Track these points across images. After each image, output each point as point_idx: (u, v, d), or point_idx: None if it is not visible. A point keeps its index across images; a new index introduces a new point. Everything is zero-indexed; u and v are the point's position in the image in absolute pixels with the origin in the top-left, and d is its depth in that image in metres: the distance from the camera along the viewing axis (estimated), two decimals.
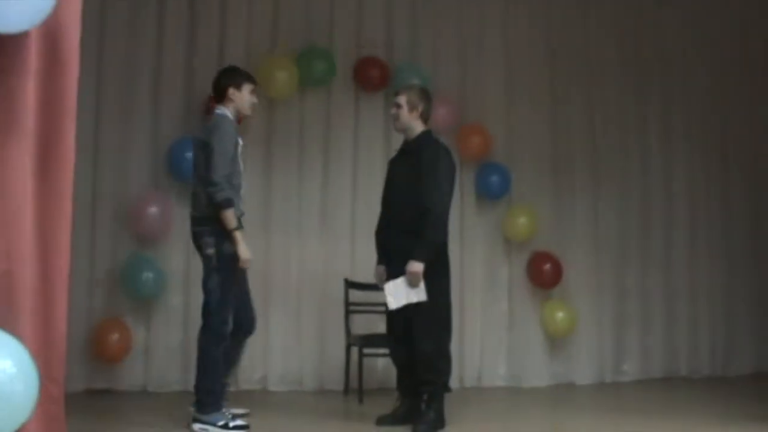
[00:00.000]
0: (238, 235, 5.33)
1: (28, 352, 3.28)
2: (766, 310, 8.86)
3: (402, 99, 5.73)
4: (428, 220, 5.45)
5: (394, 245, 5.65)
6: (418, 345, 5.53)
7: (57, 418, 3.60)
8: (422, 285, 5.45)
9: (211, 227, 5.37)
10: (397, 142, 6.20)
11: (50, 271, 3.54)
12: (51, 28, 3.58)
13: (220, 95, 5.66)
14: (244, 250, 5.35)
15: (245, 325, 5.69)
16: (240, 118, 5.78)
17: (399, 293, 5.49)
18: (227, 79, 5.67)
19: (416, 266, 5.40)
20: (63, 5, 3.60)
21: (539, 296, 8.06)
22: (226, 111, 5.59)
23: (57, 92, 3.61)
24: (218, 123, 5.49)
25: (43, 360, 3.53)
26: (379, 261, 5.89)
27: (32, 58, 3.51)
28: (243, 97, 5.62)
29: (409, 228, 5.52)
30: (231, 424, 5.35)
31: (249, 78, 5.71)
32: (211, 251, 5.39)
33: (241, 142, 5.58)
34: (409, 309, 5.49)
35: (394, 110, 5.78)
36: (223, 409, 5.45)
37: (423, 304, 5.47)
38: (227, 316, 5.41)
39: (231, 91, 5.60)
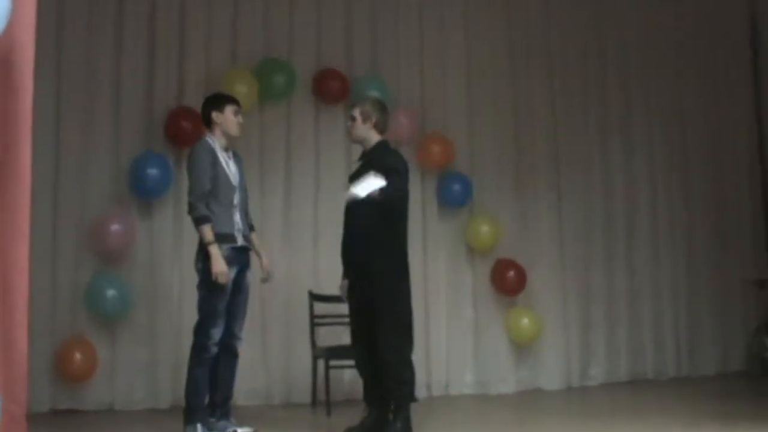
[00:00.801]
0: (213, 249, 5.46)
1: None
2: (729, 311, 8.96)
3: (356, 111, 5.82)
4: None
5: (358, 258, 5.67)
6: (381, 353, 5.52)
7: None
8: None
9: (200, 246, 5.58)
10: (357, 153, 6.22)
11: (9, 290, 3.50)
12: (4, 46, 3.55)
13: (207, 123, 5.86)
14: (216, 264, 5.43)
15: (226, 343, 5.69)
16: (230, 139, 5.87)
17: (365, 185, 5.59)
18: (209, 105, 5.88)
19: None
20: (16, 23, 3.57)
21: (504, 303, 8.09)
22: (206, 137, 5.79)
23: (11, 112, 3.57)
24: (192, 149, 5.77)
25: (4, 381, 3.49)
26: (345, 276, 5.90)
27: None
28: (227, 118, 5.79)
29: (370, 234, 5.54)
30: None
31: (230, 100, 5.91)
32: (198, 267, 5.59)
33: (230, 159, 5.79)
34: (371, 316, 5.51)
35: (349, 123, 5.88)
36: (228, 426, 5.63)
37: (385, 311, 5.50)
38: (210, 332, 5.52)
39: (215, 115, 5.79)
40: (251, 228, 5.88)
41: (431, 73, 8.20)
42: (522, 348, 8.10)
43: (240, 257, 5.67)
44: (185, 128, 7.20)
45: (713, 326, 8.93)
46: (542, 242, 8.32)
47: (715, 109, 9.18)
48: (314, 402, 7.11)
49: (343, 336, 7.23)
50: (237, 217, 5.68)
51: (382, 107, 5.87)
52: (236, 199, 5.71)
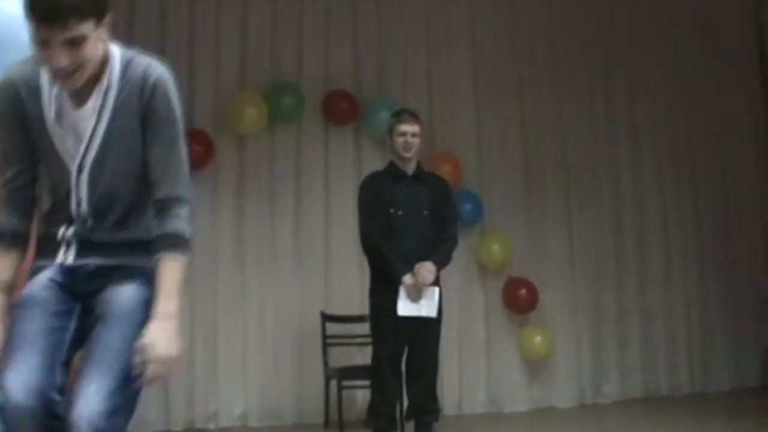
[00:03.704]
0: None
1: None
2: (742, 326, 8.92)
3: (417, 128, 5.87)
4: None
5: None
6: (431, 374, 5.61)
7: None
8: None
9: None
10: (366, 171, 6.29)
11: None
12: None
13: None
14: None
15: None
16: None
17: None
18: None
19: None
20: None
21: (516, 321, 8.08)
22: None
23: None
24: None
25: None
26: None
27: None
28: None
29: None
30: None
31: None
32: None
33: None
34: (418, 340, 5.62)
35: (411, 139, 5.83)
36: None
37: (435, 337, 5.68)
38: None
39: None
40: None
41: (439, 93, 8.22)
42: (534, 366, 8.09)
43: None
44: (196, 151, 7.21)
45: (727, 342, 8.87)
46: (553, 260, 8.32)
47: (724, 120, 9.15)
48: (327, 423, 7.10)
49: (355, 356, 7.24)
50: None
51: None
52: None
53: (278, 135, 7.72)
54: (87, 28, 2.42)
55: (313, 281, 7.62)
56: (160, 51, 7.35)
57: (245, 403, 7.37)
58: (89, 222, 2.70)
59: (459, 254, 7.71)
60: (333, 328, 7.23)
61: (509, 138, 8.34)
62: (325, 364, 7.12)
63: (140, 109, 2.68)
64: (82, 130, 2.66)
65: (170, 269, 2.67)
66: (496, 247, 7.97)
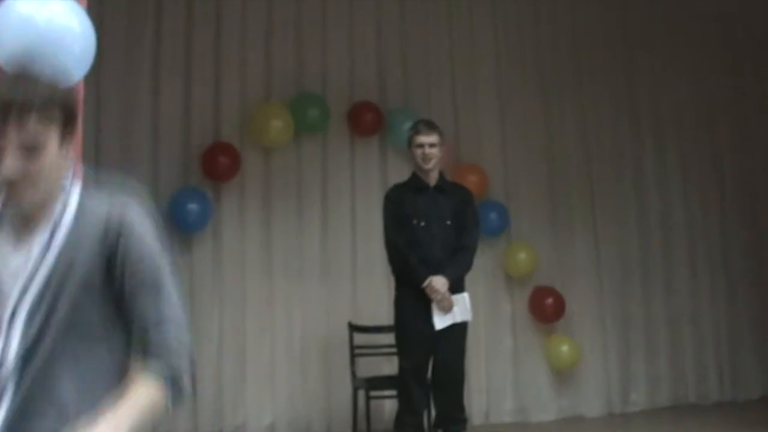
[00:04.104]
0: None
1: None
2: None
3: (437, 138, 5.87)
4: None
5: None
6: (458, 383, 5.65)
7: None
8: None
9: None
10: (392, 182, 6.34)
11: None
12: None
13: None
14: None
15: None
16: None
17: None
18: None
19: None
20: None
21: (543, 330, 8.08)
22: None
23: None
24: None
25: None
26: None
27: None
28: None
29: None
30: None
31: None
32: None
33: None
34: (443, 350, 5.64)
35: (430, 150, 5.82)
36: None
37: (461, 346, 5.71)
38: None
39: None
40: None
41: (463, 104, 8.25)
42: (562, 375, 8.09)
43: None
44: (222, 163, 7.32)
45: (756, 349, 8.82)
46: (580, 269, 8.32)
47: (749, 126, 9.11)
48: None
49: (382, 367, 7.26)
50: None
51: None
52: None
53: (304, 147, 7.77)
54: (47, 134, 2.02)
55: (341, 292, 7.66)
56: (187, 65, 7.51)
57: (273, 414, 7.40)
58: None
59: (485, 264, 7.79)
60: (360, 338, 7.26)
61: (534, 148, 8.35)
62: (353, 374, 7.14)
63: (103, 256, 2.14)
64: (18, 270, 2.12)
65: (146, 393, 2.07)
66: (522, 256, 7.98)
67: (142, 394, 2.05)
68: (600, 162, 8.56)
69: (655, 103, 8.87)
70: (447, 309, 5.57)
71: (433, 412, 5.87)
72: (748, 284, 8.92)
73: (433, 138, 5.83)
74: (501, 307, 8.10)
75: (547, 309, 7.97)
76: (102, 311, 2.15)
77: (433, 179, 5.88)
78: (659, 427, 7.52)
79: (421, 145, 5.79)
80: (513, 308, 8.12)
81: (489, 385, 7.94)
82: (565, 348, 7.94)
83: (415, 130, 5.91)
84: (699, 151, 8.95)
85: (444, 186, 5.94)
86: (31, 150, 2.00)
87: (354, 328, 7.29)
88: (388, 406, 7.30)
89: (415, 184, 5.90)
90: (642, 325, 8.51)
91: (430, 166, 5.81)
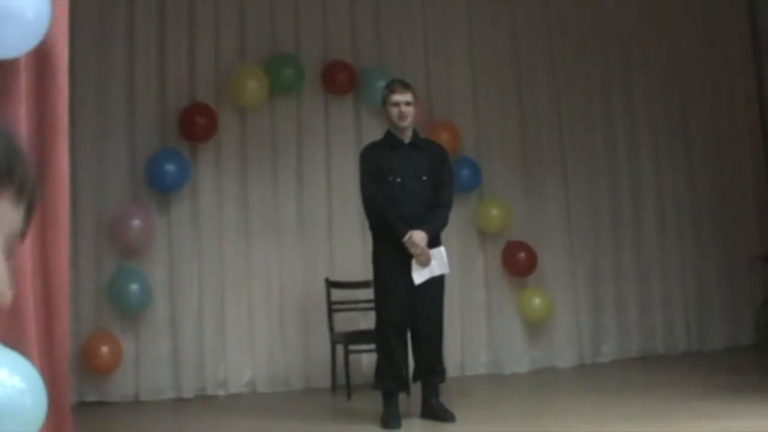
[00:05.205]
0: None
1: (35, 367, 3.42)
2: (736, 286, 9.05)
3: (411, 96, 5.91)
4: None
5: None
6: (436, 336, 5.80)
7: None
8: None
9: None
10: (366, 140, 6.46)
11: (51, 288, 3.66)
12: (41, 50, 3.71)
13: None
14: None
15: None
16: None
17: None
18: None
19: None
20: (52, 26, 3.75)
21: (516, 284, 8.24)
22: None
23: (49, 112, 3.76)
24: None
25: (49, 376, 3.65)
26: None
27: (23, 79, 3.64)
28: None
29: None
30: None
31: None
32: None
33: None
34: (422, 303, 5.77)
35: (405, 108, 5.86)
36: None
37: (439, 300, 5.84)
38: None
39: None
40: None
41: (436, 62, 8.33)
42: (534, 328, 8.26)
43: None
44: (199, 123, 7.38)
45: (722, 302, 9.02)
46: (551, 223, 8.47)
47: (715, 87, 9.27)
48: (334, 387, 7.27)
49: (359, 322, 7.42)
50: None
51: None
52: None
53: (279, 106, 7.84)
54: None
55: (317, 248, 7.77)
56: (161, 27, 7.54)
57: (253, 370, 7.54)
58: None
59: (458, 220, 7.91)
60: (337, 294, 7.40)
61: (506, 105, 8.46)
62: (331, 329, 7.29)
63: None
64: None
65: None
66: (494, 212, 8.12)
67: None
68: (571, 118, 8.68)
69: (626, 60, 8.97)
70: (425, 263, 5.69)
71: (412, 365, 6.00)
72: (715, 239, 9.10)
73: (408, 96, 5.91)
74: (474, 262, 8.25)
75: (519, 263, 8.13)
76: None
77: (407, 137, 5.97)
78: (629, 376, 7.71)
79: (397, 104, 5.86)
80: (486, 263, 8.27)
81: (463, 338, 8.10)
82: (537, 301, 8.11)
83: (390, 89, 5.98)
84: (667, 105, 9.08)
85: (418, 143, 6.03)
86: None
87: (331, 284, 7.42)
88: (366, 359, 7.46)
89: (390, 141, 5.98)
90: (612, 278, 8.68)
91: (405, 123, 5.89)
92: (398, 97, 5.87)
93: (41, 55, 3.72)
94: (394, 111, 5.86)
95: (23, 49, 3.47)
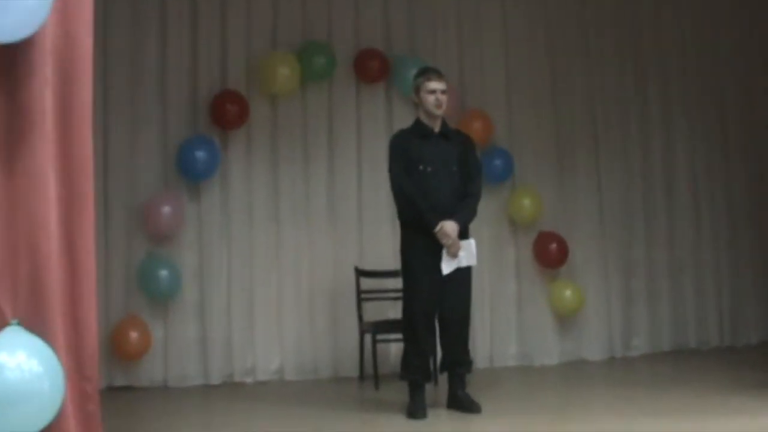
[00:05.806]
0: None
1: (56, 351, 3.43)
2: None
3: (445, 84, 5.88)
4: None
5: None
6: (463, 326, 5.77)
7: (94, 416, 3.72)
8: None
9: None
10: (397, 128, 6.40)
11: (78, 273, 3.67)
12: (64, 41, 3.72)
13: None
14: None
15: None
16: None
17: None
18: None
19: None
20: (75, 13, 3.75)
21: (546, 276, 8.18)
22: None
23: (74, 99, 3.75)
24: None
25: (75, 359, 3.67)
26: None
27: (48, 66, 3.66)
28: None
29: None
30: None
31: None
32: None
33: None
34: (450, 294, 5.74)
35: (441, 96, 5.82)
36: None
37: (466, 290, 5.83)
38: None
39: None
40: None
41: (469, 50, 8.27)
42: (565, 320, 8.20)
43: None
44: (230, 111, 7.38)
45: (755, 296, 8.93)
46: (583, 214, 8.40)
47: (752, 83, 9.13)
48: (362, 376, 7.27)
49: (388, 311, 7.40)
50: None
51: None
52: None
53: (310, 94, 7.82)
54: None
55: (347, 237, 7.76)
56: (194, 14, 7.55)
57: (281, 358, 7.54)
58: None
59: (490, 210, 7.87)
60: (366, 283, 7.38)
61: (539, 95, 8.39)
62: (360, 318, 7.27)
63: None
64: None
65: None
66: (526, 202, 8.06)
67: None
68: (604, 108, 8.60)
69: (660, 47, 8.86)
70: (456, 254, 5.66)
71: (439, 355, 5.97)
72: (750, 232, 9.00)
73: (443, 84, 5.88)
74: (505, 252, 8.19)
75: (550, 254, 8.06)
76: None
77: (437, 126, 5.93)
78: (660, 370, 7.62)
79: (434, 91, 5.82)
80: (517, 254, 8.21)
81: (493, 329, 8.06)
82: (568, 293, 8.05)
83: (426, 76, 5.92)
84: (703, 97, 8.97)
85: (447, 132, 5.98)
86: None
87: (360, 273, 7.40)
88: (393, 349, 7.44)
89: (419, 130, 5.94)
90: (644, 270, 8.60)
91: (441, 111, 5.86)
92: (435, 85, 5.83)
93: (64, 41, 3.72)
94: (431, 98, 5.81)
95: (27, 31, 3.47)
